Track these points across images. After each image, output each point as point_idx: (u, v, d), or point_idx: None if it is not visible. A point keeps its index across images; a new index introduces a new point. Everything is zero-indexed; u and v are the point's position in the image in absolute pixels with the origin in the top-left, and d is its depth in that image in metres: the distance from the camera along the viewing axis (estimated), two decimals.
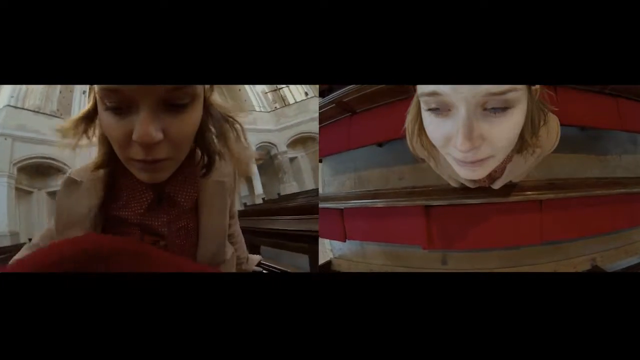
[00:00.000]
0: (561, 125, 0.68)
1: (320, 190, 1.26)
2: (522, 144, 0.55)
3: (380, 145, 1.15)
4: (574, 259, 0.85)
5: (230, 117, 0.55)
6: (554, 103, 0.56)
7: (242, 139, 0.55)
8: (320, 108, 1.07)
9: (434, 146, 0.57)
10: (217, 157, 0.54)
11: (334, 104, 1.03)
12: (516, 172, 0.73)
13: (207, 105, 0.52)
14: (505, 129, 0.49)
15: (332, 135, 1.11)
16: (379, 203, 1.05)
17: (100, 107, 0.45)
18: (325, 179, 1.28)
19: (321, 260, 1.21)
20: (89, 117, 0.50)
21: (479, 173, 0.52)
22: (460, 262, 1.07)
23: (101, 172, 0.52)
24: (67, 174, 0.55)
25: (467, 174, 0.53)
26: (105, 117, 0.45)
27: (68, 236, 0.50)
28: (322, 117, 1.09)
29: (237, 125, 0.55)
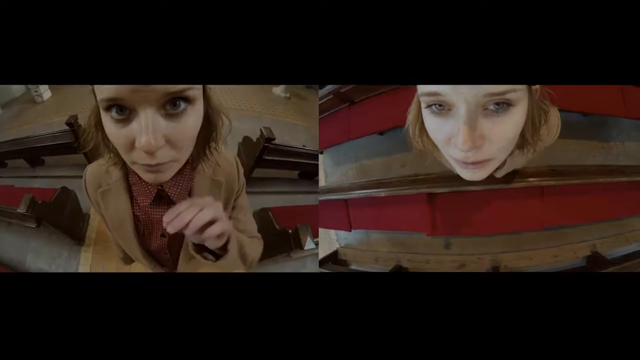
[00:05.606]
0: (565, 111, 0.67)
1: (323, 182, 1.27)
2: (523, 142, 0.55)
3: (381, 133, 1.15)
4: (575, 245, 0.87)
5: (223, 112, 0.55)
6: (554, 101, 0.55)
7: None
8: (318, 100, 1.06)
9: (435, 146, 0.57)
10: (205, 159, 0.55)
11: (331, 96, 1.02)
12: (517, 163, 0.73)
13: (208, 107, 0.51)
14: (506, 129, 0.48)
15: (332, 127, 1.10)
16: (383, 192, 1.06)
17: (102, 115, 0.46)
18: (327, 170, 1.28)
19: (327, 251, 1.24)
20: (98, 124, 0.50)
21: (480, 174, 0.53)
22: (463, 247, 1.10)
23: (119, 173, 0.55)
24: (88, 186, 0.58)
25: (468, 176, 0.54)
26: (108, 124, 0.45)
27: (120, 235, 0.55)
28: (320, 109, 1.08)
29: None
